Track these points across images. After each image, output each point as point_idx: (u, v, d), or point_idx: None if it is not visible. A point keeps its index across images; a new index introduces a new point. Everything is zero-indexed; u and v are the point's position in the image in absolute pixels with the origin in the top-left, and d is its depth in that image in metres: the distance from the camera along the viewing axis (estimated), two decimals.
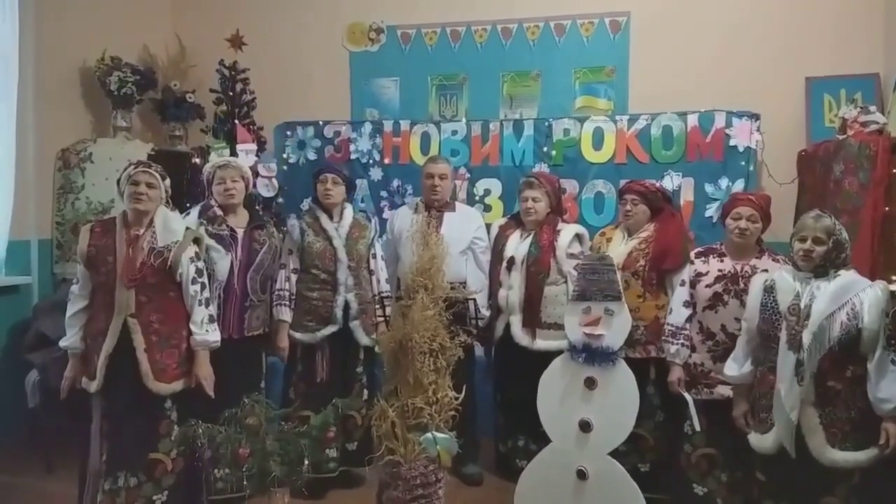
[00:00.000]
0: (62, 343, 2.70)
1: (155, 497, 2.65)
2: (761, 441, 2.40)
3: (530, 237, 3.38)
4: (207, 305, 2.77)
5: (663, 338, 2.95)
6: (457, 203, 3.76)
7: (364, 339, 3.34)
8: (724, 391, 2.73)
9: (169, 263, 2.64)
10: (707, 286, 2.82)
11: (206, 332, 2.74)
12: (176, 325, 2.70)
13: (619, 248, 3.19)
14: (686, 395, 2.83)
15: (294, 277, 3.31)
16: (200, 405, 2.69)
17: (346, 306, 3.30)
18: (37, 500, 3.29)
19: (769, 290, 2.41)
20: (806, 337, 2.23)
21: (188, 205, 3.48)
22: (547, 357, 3.07)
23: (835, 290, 2.25)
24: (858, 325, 2.19)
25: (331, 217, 3.37)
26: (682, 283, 2.93)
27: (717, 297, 2.79)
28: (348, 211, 3.44)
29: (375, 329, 3.35)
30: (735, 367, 2.56)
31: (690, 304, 2.89)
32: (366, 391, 3.37)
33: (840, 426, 2.22)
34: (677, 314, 2.91)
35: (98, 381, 2.60)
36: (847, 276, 2.28)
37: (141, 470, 2.63)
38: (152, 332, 2.63)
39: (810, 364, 2.22)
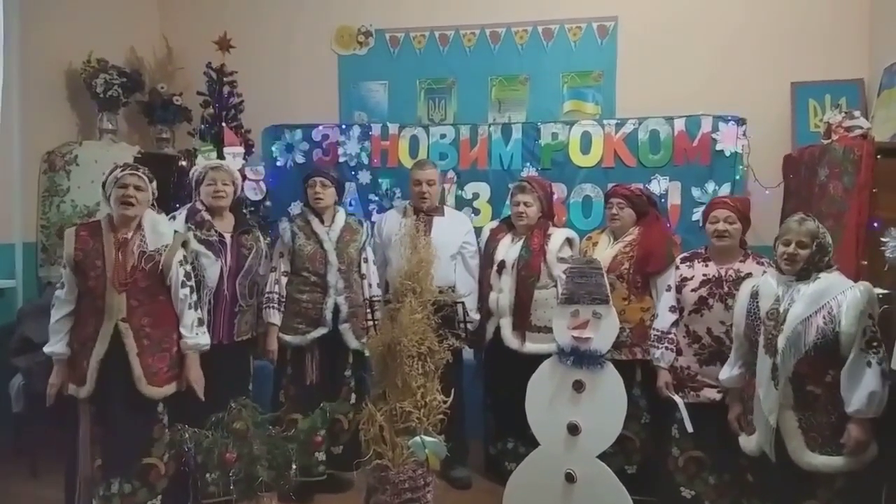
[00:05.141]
0: (47, 349, 2.66)
1: (149, 502, 2.64)
2: (747, 443, 2.43)
3: (521, 241, 3.38)
4: (196, 309, 2.77)
5: (649, 342, 2.98)
6: (446, 207, 3.77)
7: (353, 343, 3.33)
8: (711, 394, 2.75)
9: (160, 267, 2.63)
10: (692, 290, 2.83)
11: (197, 336, 2.74)
12: (166, 329, 2.69)
13: (604, 251, 3.22)
14: (675, 397, 2.84)
15: (284, 280, 3.30)
16: (190, 409, 2.67)
17: (336, 309, 3.30)
18: None
19: (754, 295, 2.43)
20: (780, 341, 2.24)
21: (176, 206, 3.46)
22: (536, 360, 3.07)
23: (812, 293, 2.25)
24: (836, 329, 2.18)
25: (322, 220, 3.37)
26: (669, 289, 2.94)
27: (702, 301, 2.80)
28: (340, 214, 3.44)
29: (365, 333, 3.34)
30: (726, 370, 2.59)
31: (676, 308, 2.91)
32: (353, 395, 3.36)
33: (820, 430, 2.23)
34: (662, 319, 2.93)
35: (89, 387, 2.58)
36: (827, 278, 2.28)
37: (135, 475, 2.61)
38: (144, 336, 2.62)
39: (784, 368, 2.23)
